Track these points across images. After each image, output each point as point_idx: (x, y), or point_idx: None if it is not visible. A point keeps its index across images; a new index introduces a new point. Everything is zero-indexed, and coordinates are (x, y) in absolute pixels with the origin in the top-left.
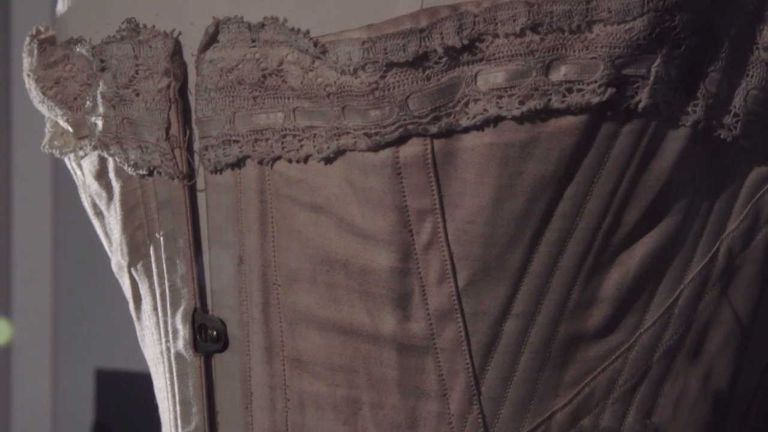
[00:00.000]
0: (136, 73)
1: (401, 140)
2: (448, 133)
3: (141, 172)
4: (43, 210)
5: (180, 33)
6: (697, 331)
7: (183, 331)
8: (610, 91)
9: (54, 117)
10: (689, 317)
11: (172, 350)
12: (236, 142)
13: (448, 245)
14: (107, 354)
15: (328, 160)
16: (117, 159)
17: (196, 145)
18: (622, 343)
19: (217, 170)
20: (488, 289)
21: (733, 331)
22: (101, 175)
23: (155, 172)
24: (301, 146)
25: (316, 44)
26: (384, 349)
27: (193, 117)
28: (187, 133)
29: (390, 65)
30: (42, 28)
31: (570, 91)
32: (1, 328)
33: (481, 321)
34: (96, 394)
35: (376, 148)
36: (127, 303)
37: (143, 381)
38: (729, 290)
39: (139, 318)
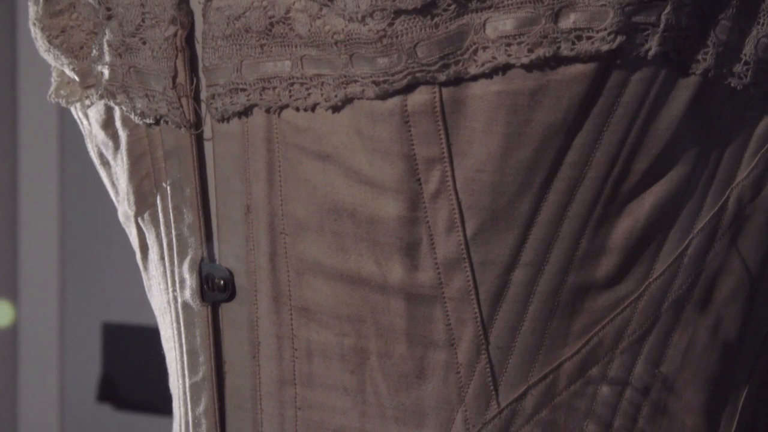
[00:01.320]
0: (143, 21)
1: (409, 88)
2: (457, 81)
3: (148, 121)
4: (49, 160)
5: None
6: (706, 281)
7: (190, 280)
8: (619, 38)
9: (60, 66)
10: (698, 267)
11: (179, 300)
12: (243, 90)
13: (457, 194)
14: (114, 308)
15: (336, 109)
16: (123, 108)
17: (203, 94)
18: (631, 293)
19: (224, 119)
20: (497, 238)
21: (742, 280)
22: (108, 124)
23: (162, 121)
24: (309, 94)
25: None
26: (392, 298)
27: (200, 65)
28: (194, 81)
29: (398, 12)
30: None
31: (579, 38)
32: (5, 311)
33: (490, 270)
34: (103, 348)
35: (383, 96)
36: (133, 256)
37: (150, 335)
38: (738, 240)
39: (146, 268)
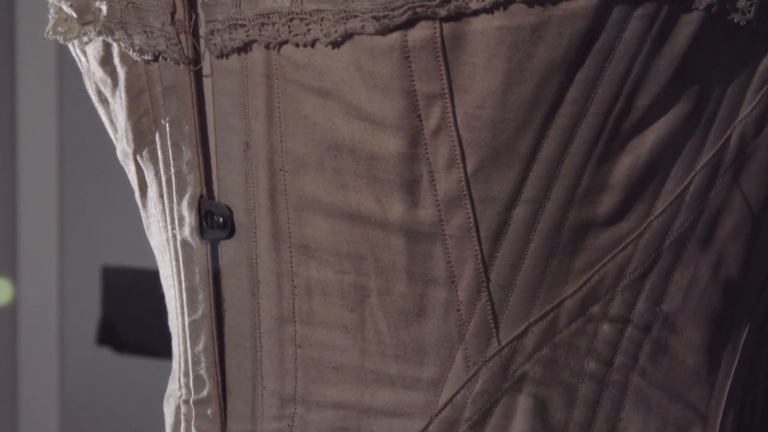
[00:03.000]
0: None
1: (410, 23)
2: (458, 16)
3: (146, 57)
4: (47, 98)
5: None
6: (708, 219)
7: (189, 218)
8: None
9: (58, 2)
10: (700, 204)
11: (178, 238)
12: (242, 26)
13: (457, 130)
14: (113, 250)
15: (336, 44)
16: (122, 44)
17: (202, 30)
18: (632, 231)
19: (223, 55)
20: (497, 175)
21: (744, 218)
22: (106, 61)
23: (160, 58)
24: (308, 30)
25: None
26: (392, 235)
27: (199, 1)
28: (193, 17)
29: None
30: None
31: None
32: (4, 288)
33: (490, 207)
34: (102, 291)
35: (384, 31)
36: (133, 199)
37: (149, 277)
38: (740, 177)
39: (144, 206)
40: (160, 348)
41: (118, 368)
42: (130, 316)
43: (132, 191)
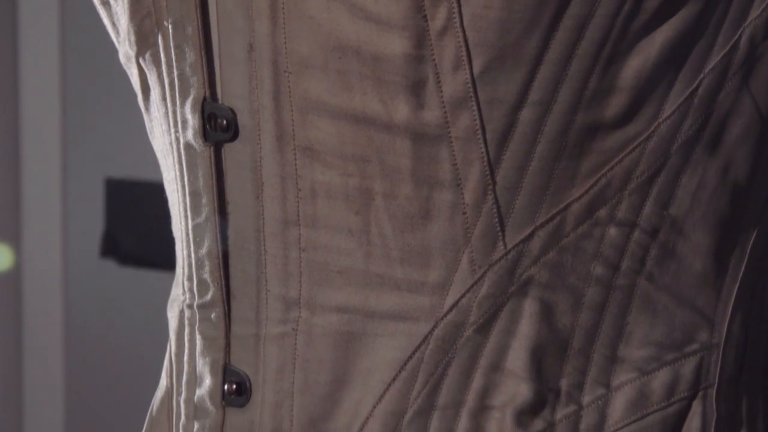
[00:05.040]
0: None
1: None
2: None
3: None
4: (49, 2)
5: None
6: (717, 122)
7: (192, 120)
8: None
9: None
10: (709, 107)
11: (182, 141)
12: None
13: (464, 31)
14: (116, 163)
15: None
16: None
17: None
18: (640, 133)
19: None
20: (504, 77)
21: (753, 121)
22: None
23: None
24: None
25: None
26: (397, 137)
27: None
28: None
29: None
30: None
31: None
32: (4, 254)
33: (497, 109)
34: (105, 204)
35: None
36: (136, 110)
37: (152, 190)
38: (750, 80)
39: (147, 109)
40: (164, 260)
41: (122, 281)
42: (133, 228)
43: (135, 102)
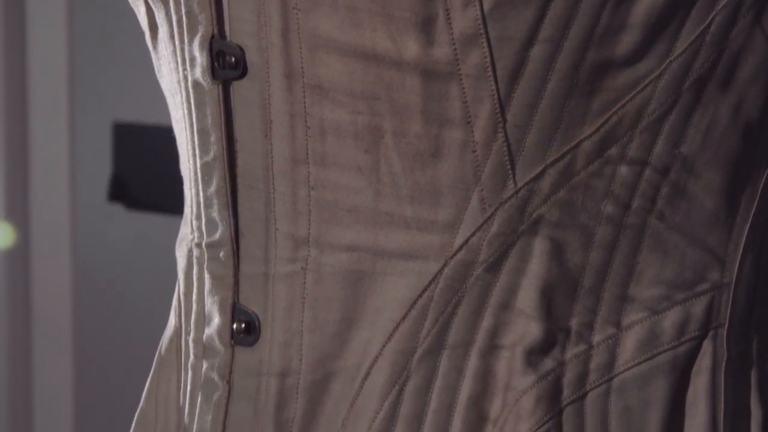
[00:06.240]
0: None
1: None
2: None
3: None
4: None
5: None
6: (729, 60)
7: (200, 58)
8: None
9: None
10: (721, 45)
11: (190, 79)
12: None
13: None
14: (124, 107)
15: None
16: None
17: None
18: (652, 71)
19: None
20: (514, 14)
21: (765, 59)
22: None
23: None
24: None
25: None
26: (407, 75)
27: None
28: None
29: None
30: None
31: None
32: (5, 232)
33: (507, 46)
34: (113, 148)
35: None
36: (144, 53)
37: (161, 133)
38: (762, 17)
39: (155, 48)
40: (172, 205)
41: (130, 225)
42: (141, 172)
43: (143, 45)
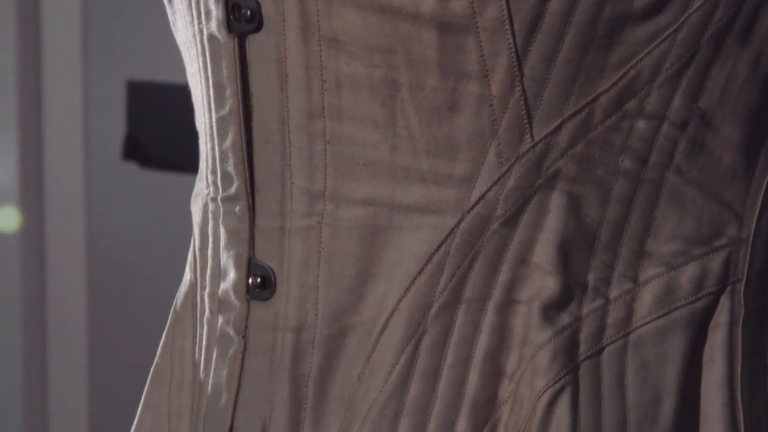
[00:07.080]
0: None
1: None
2: None
3: None
4: None
5: None
6: (748, 13)
7: (216, 11)
8: None
9: None
10: None
11: (205, 32)
12: None
13: None
14: (138, 65)
15: None
16: None
17: None
18: (670, 24)
19: None
20: None
21: None
22: None
23: None
24: None
25: None
26: (423, 28)
27: None
28: None
29: None
30: None
31: None
32: (10, 216)
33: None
34: (127, 106)
35: None
36: (158, 10)
37: (174, 92)
38: None
39: (170, 1)
40: (186, 163)
41: (144, 183)
42: (155, 131)
43: (156, 2)
